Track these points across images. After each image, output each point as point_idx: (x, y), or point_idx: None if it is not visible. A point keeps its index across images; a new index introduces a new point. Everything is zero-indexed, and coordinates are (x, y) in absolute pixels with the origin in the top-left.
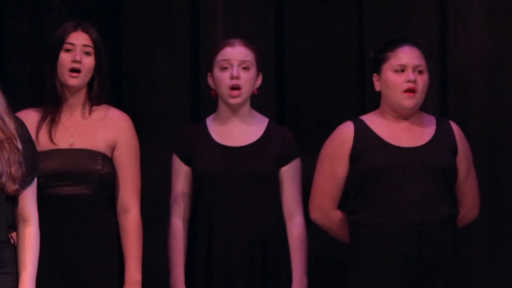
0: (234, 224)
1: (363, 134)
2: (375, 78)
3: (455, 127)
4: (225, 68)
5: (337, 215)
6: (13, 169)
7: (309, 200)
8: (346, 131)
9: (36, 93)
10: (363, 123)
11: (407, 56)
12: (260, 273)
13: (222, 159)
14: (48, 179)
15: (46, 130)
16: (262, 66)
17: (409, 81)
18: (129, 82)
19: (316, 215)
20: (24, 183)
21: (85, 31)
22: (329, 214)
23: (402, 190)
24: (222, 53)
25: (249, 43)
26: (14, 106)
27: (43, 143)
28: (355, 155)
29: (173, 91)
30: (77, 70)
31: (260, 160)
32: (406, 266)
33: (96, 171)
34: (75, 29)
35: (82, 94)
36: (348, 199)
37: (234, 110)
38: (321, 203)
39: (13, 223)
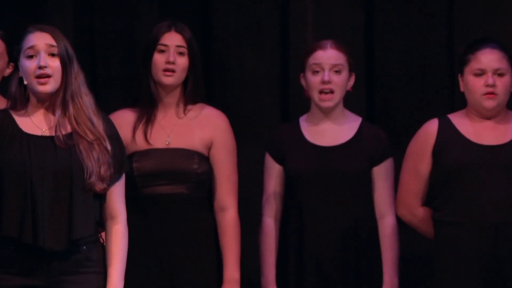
0: (325, 224)
1: (446, 132)
2: (460, 78)
3: None
4: (317, 71)
5: (422, 211)
6: (102, 170)
7: (396, 196)
8: (430, 128)
9: (131, 93)
10: (448, 121)
11: (487, 59)
12: (352, 272)
13: (314, 159)
14: (145, 178)
15: (142, 130)
16: (353, 66)
17: (487, 85)
18: (219, 81)
19: (402, 212)
20: (111, 182)
21: (179, 31)
22: (414, 211)
23: (481, 188)
24: (314, 56)
25: (341, 44)
26: (105, 106)
27: (139, 143)
28: (437, 152)
29: (263, 90)
30: (171, 71)
31: (352, 160)
32: (482, 264)
33: (193, 170)
34: (168, 29)
35: (177, 93)
36: (432, 196)
37: (327, 112)
38: (406, 200)
39: (101, 221)
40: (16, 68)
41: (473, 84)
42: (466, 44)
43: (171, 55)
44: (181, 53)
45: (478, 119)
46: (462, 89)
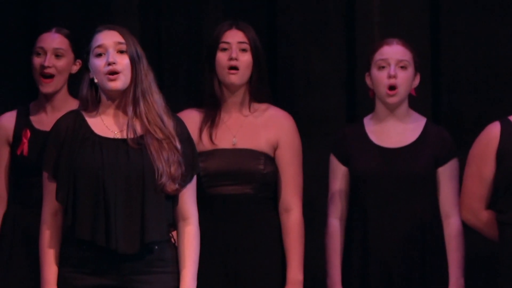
0: (390, 225)
1: (510, 134)
2: None
3: None
4: (383, 67)
5: (487, 215)
6: (172, 169)
7: (460, 200)
8: (492, 132)
9: (196, 94)
10: (510, 123)
11: None
12: (418, 273)
13: (379, 161)
14: (211, 178)
15: (209, 130)
16: (419, 66)
17: None
18: (285, 81)
19: (466, 216)
20: (184, 182)
21: (240, 28)
22: (478, 214)
23: None
24: (380, 52)
25: (407, 42)
26: (172, 105)
27: (205, 143)
28: (501, 155)
29: (329, 90)
30: (235, 68)
31: (417, 161)
32: None
33: (259, 170)
34: (229, 27)
35: (241, 92)
36: (496, 199)
37: (392, 109)
38: (470, 204)
39: (173, 222)
40: (87, 69)
41: None
42: None
43: (234, 51)
44: (243, 50)
45: None
46: None
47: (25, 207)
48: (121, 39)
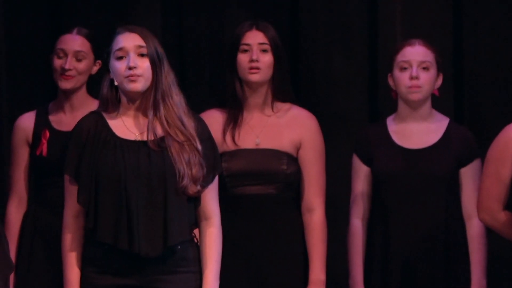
0: (412, 225)
1: None
2: None
3: None
4: (405, 68)
5: (504, 216)
6: (194, 171)
7: (477, 201)
8: (509, 133)
9: (220, 93)
10: None
11: None
12: (440, 274)
13: (402, 162)
14: (234, 179)
15: (232, 131)
16: (441, 66)
17: None
18: (307, 81)
19: (484, 216)
20: (205, 183)
21: (260, 29)
22: (496, 215)
23: None
24: (402, 53)
25: (429, 43)
26: (196, 104)
27: (229, 143)
28: None
29: (351, 90)
30: (255, 68)
31: (439, 162)
32: None
33: (282, 171)
34: (249, 28)
35: (263, 92)
36: None
37: (415, 108)
38: (488, 204)
39: (196, 222)
40: (107, 70)
41: None
42: None
43: (254, 53)
44: (264, 50)
45: None
46: None
47: (45, 207)
48: (142, 42)
